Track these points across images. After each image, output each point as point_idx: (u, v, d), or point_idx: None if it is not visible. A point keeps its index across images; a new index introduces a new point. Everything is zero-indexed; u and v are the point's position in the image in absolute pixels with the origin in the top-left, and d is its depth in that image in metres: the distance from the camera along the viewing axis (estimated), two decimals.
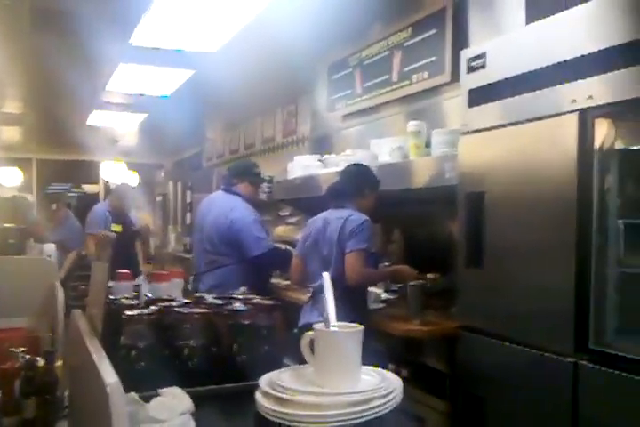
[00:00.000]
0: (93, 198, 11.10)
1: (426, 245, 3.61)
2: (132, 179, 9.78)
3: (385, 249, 4.12)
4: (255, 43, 4.57)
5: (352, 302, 2.54)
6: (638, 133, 1.95)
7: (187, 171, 10.20)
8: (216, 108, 7.43)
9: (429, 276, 3.29)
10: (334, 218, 2.91)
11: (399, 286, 3.36)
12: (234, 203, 3.66)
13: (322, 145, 4.77)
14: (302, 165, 4.47)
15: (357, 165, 3.12)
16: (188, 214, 8.90)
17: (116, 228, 5.11)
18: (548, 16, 2.15)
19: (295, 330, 2.74)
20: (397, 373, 3.03)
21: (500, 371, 2.28)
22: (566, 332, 1.98)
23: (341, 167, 3.83)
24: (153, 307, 1.18)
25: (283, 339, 1.28)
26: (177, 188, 10.20)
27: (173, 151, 10.87)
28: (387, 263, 3.64)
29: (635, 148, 1.95)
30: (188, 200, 9.99)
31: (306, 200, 4.33)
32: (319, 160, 4.36)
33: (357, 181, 3.00)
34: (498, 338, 2.28)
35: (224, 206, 3.65)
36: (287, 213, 5.77)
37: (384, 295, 3.21)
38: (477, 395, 2.36)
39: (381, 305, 3.09)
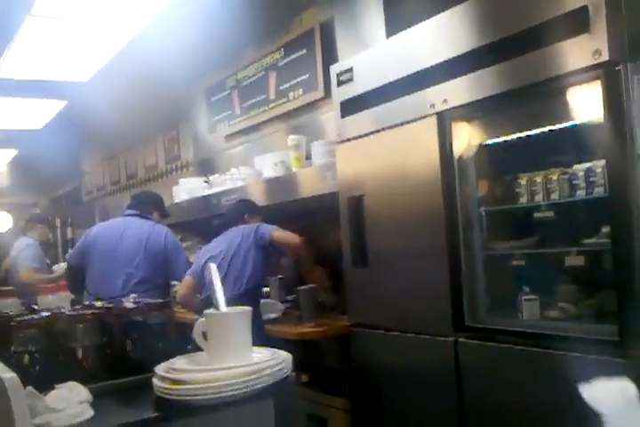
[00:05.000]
0: None
1: (318, 255, 3.72)
2: (5, 221, 9.23)
3: (277, 263, 4.19)
4: (128, 70, 4.55)
5: None
6: (489, 130, 2.18)
7: (65, 207, 9.76)
8: (92, 140, 7.23)
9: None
10: (239, 230, 3.05)
11: (293, 296, 3.43)
12: (159, 227, 3.62)
13: (206, 167, 4.80)
14: (188, 188, 4.47)
15: (240, 201, 3.46)
16: (70, 251, 8.49)
17: None
18: (406, 29, 2.35)
19: (189, 346, 2.73)
20: (298, 378, 3.09)
21: (391, 360, 2.41)
22: (445, 314, 2.15)
23: (227, 186, 3.90)
24: (43, 313, 1.17)
25: (176, 337, 1.31)
26: (55, 225, 9.71)
27: (49, 188, 10.37)
28: (280, 276, 3.71)
29: (487, 143, 2.17)
30: (70, 236, 9.54)
31: (195, 222, 4.33)
32: (205, 181, 4.39)
33: (238, 211, 3.26)
34: (386, 330, 2.42)
35: (150, 230, 3.55)
36: (178, 238, 5.70)
37: (280, 305, 3.26)
38: (373, 386, 2.48)
39: (276, 315, 3.15)
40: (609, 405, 0.47)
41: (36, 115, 6.21)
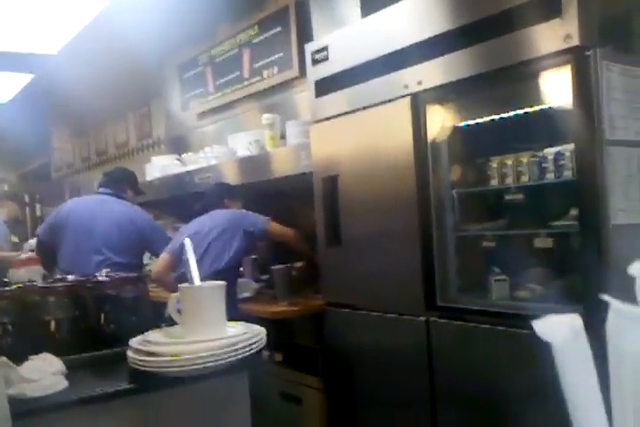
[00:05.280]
0: None
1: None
2: None
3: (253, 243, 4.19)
4: (99, 43, 4.45)
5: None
6: (462, 113, 2.21)
7: (34, 183, 9.59)
8: (61, 115, 7.08)
9: (297, 264, 3.41)
10: (225, 214, 3.05)
11: (267, 276, 3.45)
12: (133, 207, 3.57)
13: (179, 145, 4.75)
14: (160, 166, 4.43)
15: (218, 184, 3.39)
16: (40, 226, 8.38)
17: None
18: (382, 9, 2.35)
19: (164, 324, 2.73)
20: (272, 357, 3.11)
21: (364, 339, 2.45)
22: (417, 294, 2.19)
23: (201, 164, 3.88)
24: (16, 285, 1.17)
25: (150, 311, 1.31)
26: (26, 202, 9.55)
27: (17, 163, 10.14)
28: (254, 256, 3.72)
29: (459, 125, 2.20)
30: (38, 214, 9.38)
31: (167, 201, 4.30)
32: (177, 159, 4.35)
33: (217, 195, 3.21)
34: (359, 309, 2.45)
35: (124, 210, 3.50)
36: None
37: (254, 284, 3.28)
38: (347, 365, 2.51)
39: (250, 294, 3.17)
40: (557, 335, 0.51)
41: (2, 88, 6.06)
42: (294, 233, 3.05)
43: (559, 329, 0.51)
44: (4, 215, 5.50)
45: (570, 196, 1.85)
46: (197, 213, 3.21)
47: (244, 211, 3.07)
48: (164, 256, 3.08)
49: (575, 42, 1.70)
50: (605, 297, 0.52)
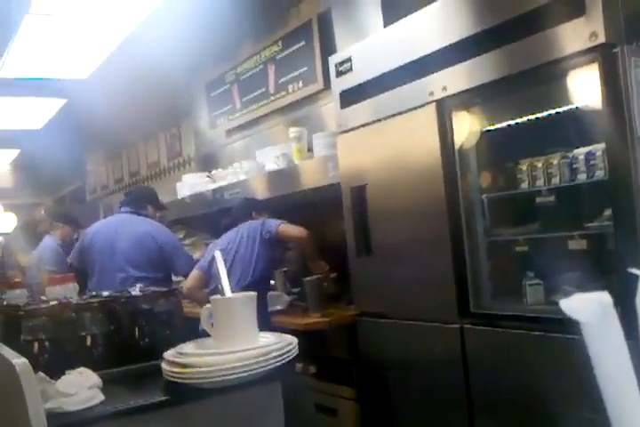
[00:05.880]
0: None
1: (322, 246, 3.72)
2: (10, 221, 9.27)
3: (282, 256, 4.20)
4: (128, 66, 4.55)
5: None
6: (489, 117, 2.19)
7: (69, 206, 9.80)
8: (94, 138, 7.24)
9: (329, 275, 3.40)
10: (247, 226, 3.06)
11: (298, 288, 3.45)
12: (154, 224, 3.64)
13: (208, 163, 4.81)
14: (190, 184, 4.49)
15: (245, 199, 3.43)
16: (71, 254, 8.55)
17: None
18: (403, 18, 2.35)
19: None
20: (306, 369, 3.10)
21: (397, 348, 2.43)
22: (450, 301, 2.16)
23: (230, 180, 3.91)
24: (52, 302, 1.19)
25: (183, 324, 1.32)
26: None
27: (53, 187, 10.41)
28: (284, 269, 3.73)
29: (487, 129, 2.18)
30: (74, 236, 9.58)
31: (200, 218, 4.34)
32: (207, 177, 4.40)
33: (244, 209, 3.26)
34: (392, 318, 2.43)
35: (145, 228, 3.56)
36: (181, 236, 5.72)
37: (286, 297, 3.28)
38: (381, 375, 2.49)
39: (282, 307, 3.17)
40: (586, 313, 0.49)
41: (37, 113, 6.23)
42: (307, 233, 3.01)
43: (587, 306, 0.49)
44: (58, 238, 5.35)
45: (603, 196, 1.81)
46: (225, 228, 3.24)
47: (261, 219, 3.07)
48: (195, 272, 3.11)
49: (601, 39, 1.67)
50: (634, 270, 0.51)
